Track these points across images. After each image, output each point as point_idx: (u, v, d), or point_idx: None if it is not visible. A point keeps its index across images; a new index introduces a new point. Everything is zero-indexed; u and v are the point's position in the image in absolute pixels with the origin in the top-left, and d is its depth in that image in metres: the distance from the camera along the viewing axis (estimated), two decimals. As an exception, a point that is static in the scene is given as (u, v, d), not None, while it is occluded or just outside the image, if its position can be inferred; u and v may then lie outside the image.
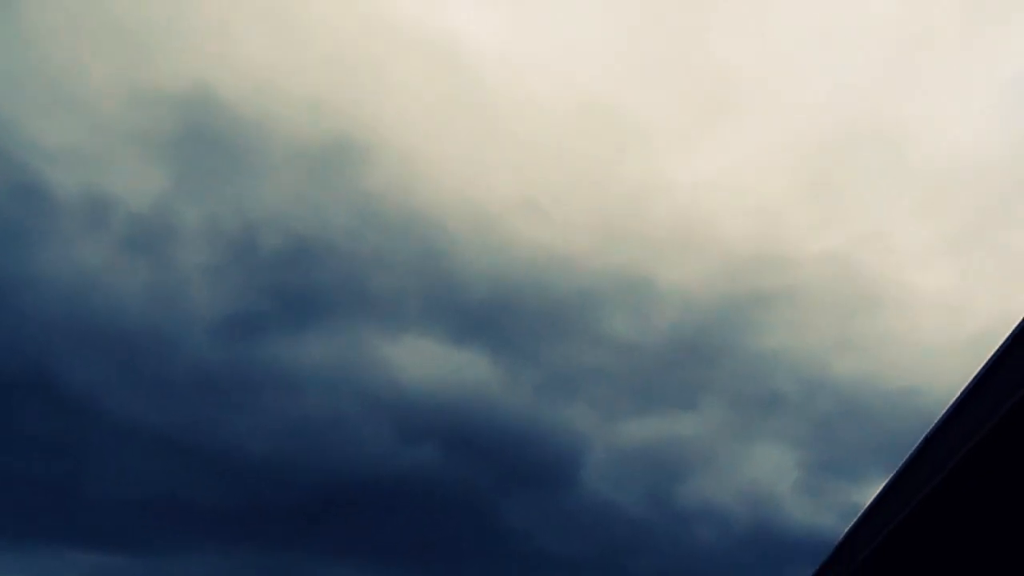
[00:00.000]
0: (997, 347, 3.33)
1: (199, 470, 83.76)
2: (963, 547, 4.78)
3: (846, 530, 5.29)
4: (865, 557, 5.14)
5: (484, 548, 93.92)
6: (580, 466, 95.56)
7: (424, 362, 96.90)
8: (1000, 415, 3.38)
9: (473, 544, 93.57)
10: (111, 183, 77.96)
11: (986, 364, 3.59)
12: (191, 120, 79.05)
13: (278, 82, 77.80)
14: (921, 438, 4.24)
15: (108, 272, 77.41)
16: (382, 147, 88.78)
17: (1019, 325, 3.30)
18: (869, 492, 4.69)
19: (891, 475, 4.63)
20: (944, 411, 3.96)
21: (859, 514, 5.02)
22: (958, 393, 3.82)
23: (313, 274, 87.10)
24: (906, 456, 4.45)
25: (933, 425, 4.13)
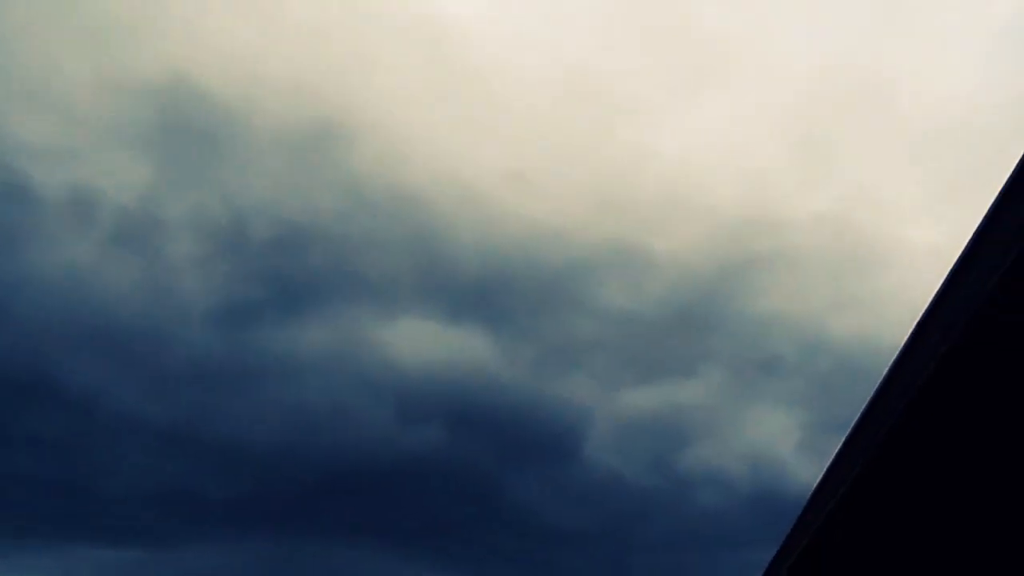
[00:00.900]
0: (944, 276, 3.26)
1: (204, 462, 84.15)
2: (926, 491, 4.75)
3: (814, 485, 5.25)
4: (832, 508, 5.10)
5: (491, 525, 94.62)
6: (583, 438, 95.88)
7: (421, 342, 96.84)
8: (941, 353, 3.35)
9: (480, 522, 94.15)
10: (95, 178, 77.32)
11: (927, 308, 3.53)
12: (170, 110, 78.02)
13: (257, 67, 76.57)
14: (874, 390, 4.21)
15: (98, 269, 77.07)
16: (367, 128, 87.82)
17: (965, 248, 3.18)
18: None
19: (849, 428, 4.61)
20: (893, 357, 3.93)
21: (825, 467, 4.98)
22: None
23: (304, 260, 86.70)
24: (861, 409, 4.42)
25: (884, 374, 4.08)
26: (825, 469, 4.90)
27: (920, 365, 3.60)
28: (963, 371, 3.66)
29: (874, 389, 4.15)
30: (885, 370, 4.00)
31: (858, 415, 4.38)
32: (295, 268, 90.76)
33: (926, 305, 3.46)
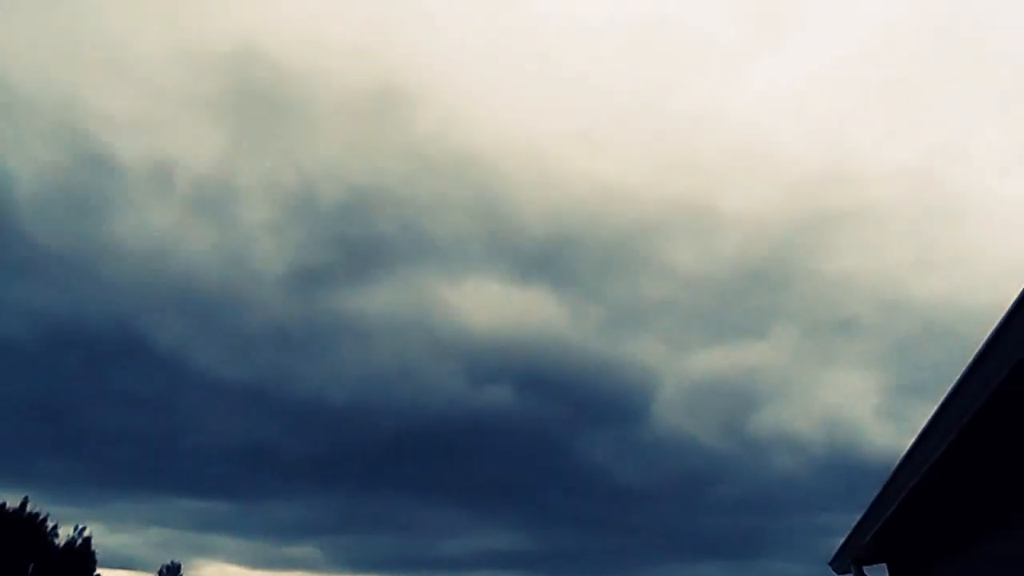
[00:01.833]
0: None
1: (283, 421, 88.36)
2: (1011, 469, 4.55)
3: (900, 456, 5.12)
4: (915, 484, 4.96)
5: (560, 485, 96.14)
6: (652, 400, 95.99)
7: (489, 304, 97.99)
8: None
9: (549, 481, 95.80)
10: (172, 147, 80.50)
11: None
12: (241, 79, 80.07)
13: (322, 34, 77.28)
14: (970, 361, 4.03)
15: (179, 235, 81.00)
16: (430, 90, 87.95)
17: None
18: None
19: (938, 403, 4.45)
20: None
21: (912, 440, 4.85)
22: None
23: (373, 223, 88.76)
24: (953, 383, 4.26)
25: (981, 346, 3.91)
26: (917, 435, 4.76)
27: (1017, 341, 3.41)
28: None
29: (977, 351, 3.97)
30: (989, 331, 3.82)
31: (957, 378, 4.21)
32: (363, 232, 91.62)
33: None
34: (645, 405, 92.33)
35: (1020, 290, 3.42)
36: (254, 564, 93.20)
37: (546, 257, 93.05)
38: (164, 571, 67.08)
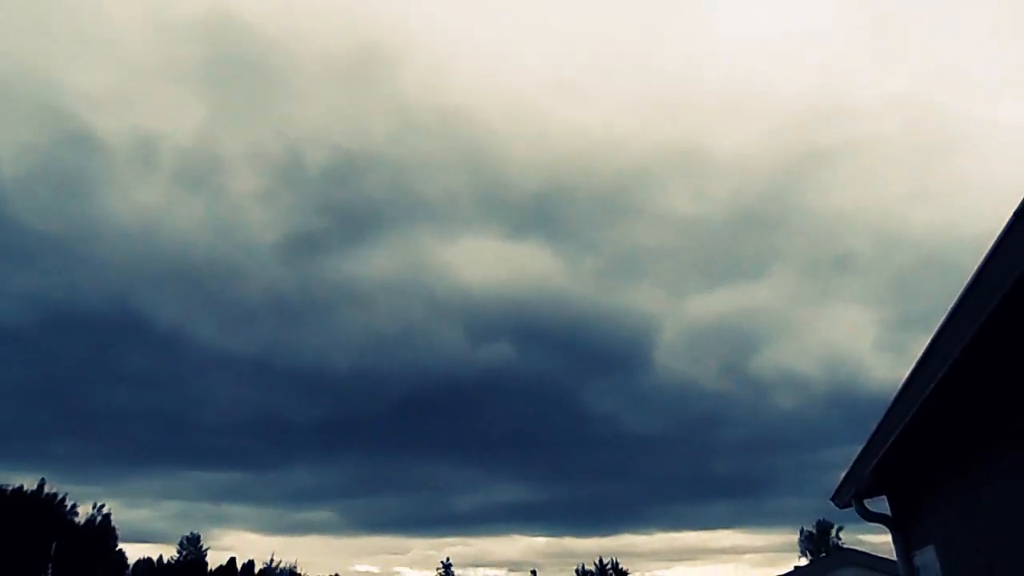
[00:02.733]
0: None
1: (288, 390, 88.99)
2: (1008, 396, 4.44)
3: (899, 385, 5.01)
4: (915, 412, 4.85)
5: (570, 435, 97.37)
6: (653, 346, 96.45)
7: (484, 261, 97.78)
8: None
9: (559, 432, 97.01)
10: (154, 121, 79.21)
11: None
12: (217, 46, 78.27)
13: (296, -4, 74.70)
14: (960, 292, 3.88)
15: (167, 209, 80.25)
16: (411, 46, 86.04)
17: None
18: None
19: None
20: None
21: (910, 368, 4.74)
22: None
23: (362, 186, 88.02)
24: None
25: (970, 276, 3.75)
26: (912, 366, 4.64)
27: (1017, 255, 3.26)
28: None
29: (966, 281, 3.83)
30: (979, 261, 3.67)
31: (949, 309, 4.07)
32: (353, 196, 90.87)
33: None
34: (646, 352, 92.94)
35: (1015, 208, 3.26)
36: (271, 530, 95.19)
37: (539, 210, 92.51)
38: (184, 542, 68.55)
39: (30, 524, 46.67)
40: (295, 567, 69.37)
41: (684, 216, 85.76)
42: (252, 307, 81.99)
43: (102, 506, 56.37)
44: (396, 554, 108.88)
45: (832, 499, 7.68)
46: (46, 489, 51.62)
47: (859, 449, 6.24)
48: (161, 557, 67.86)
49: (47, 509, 49.89)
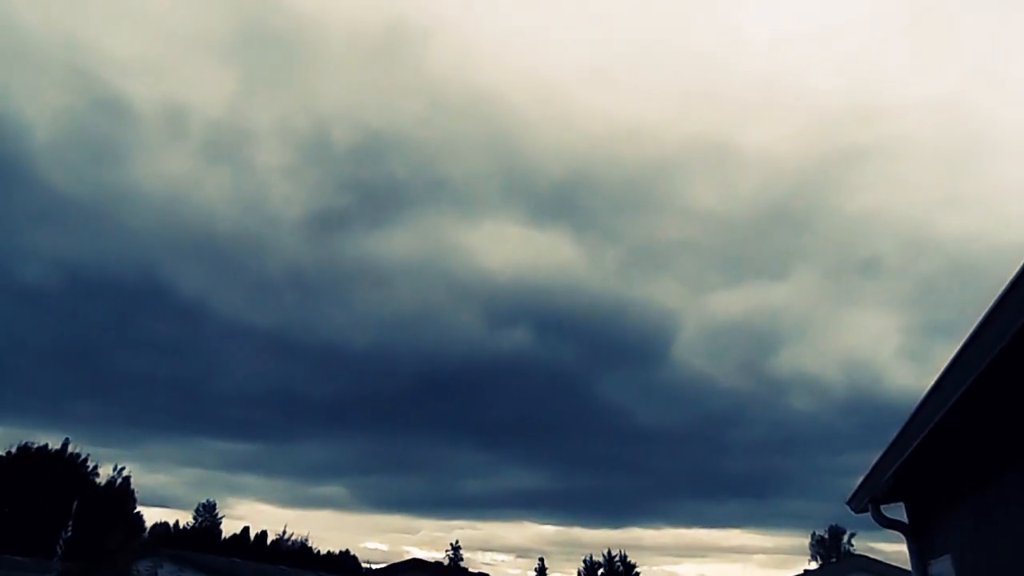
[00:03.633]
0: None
1: (307, 364, 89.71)
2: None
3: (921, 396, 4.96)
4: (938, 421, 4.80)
5: (584, 425, 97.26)
6: (672, 341, 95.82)
7: (506, 246, 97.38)
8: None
9: (572, 421, 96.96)
10: (185, 91, 79.64)
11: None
12: (249, 18, 78.26)
13: (329, -31, 74.33)
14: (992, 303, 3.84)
15: (195, 180, 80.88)
16: (441, 26, 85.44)
17: None
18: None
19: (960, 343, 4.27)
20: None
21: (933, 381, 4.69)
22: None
23: (388, 166, 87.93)
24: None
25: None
26: (940, 372, 4.59)
27: None
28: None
29: (997, 293, 3.78)
30: (1012, 273, 3.62)
31: (978, 319, 4.02)
32: (379, 175, 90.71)
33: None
34: (665, 347, 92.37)
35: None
36: (284, 502, 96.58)
37: (563, 198, 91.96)
38: (200, 509, 69.93)
39: (53, 482, 47.81)
40: (307, 541, 70.42)
41: (709, 210, 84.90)
42: (273, 281, 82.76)
43: (122, 468, 57.55)
44: (406, 534, 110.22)
45: (848, 503, 7.64)
46: (69, 449, 52.79)
47: (878, 454, 6.20)
48: (177, 522, 69.35)
49: (70, 468, 51.05)
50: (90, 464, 53.78)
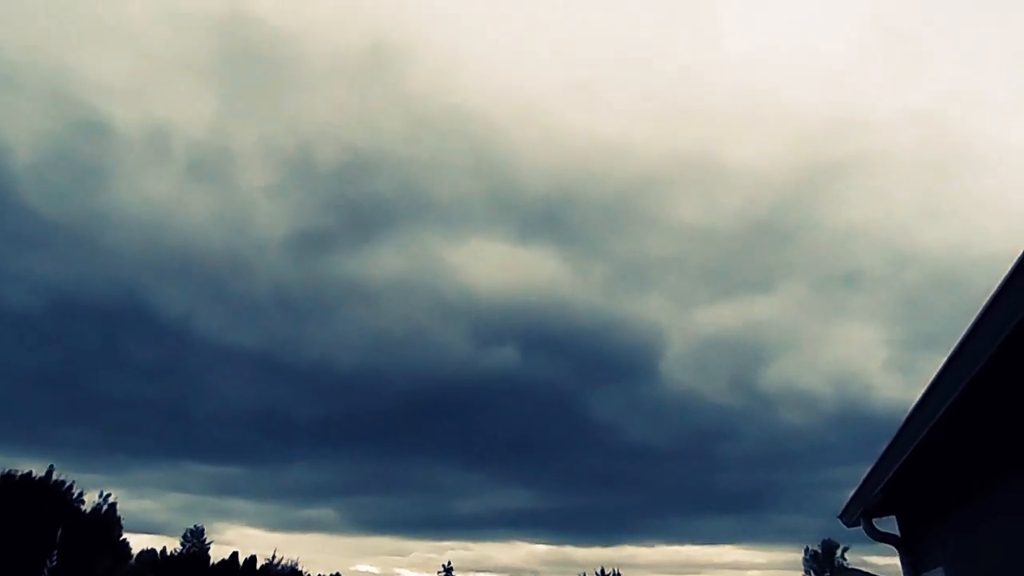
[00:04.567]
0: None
1: (292, 386, 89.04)
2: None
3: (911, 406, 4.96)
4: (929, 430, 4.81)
5: (572, 442, 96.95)
6: (659, 357, 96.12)
7: (492, 264, 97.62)
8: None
9: (562, 439, 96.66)
10: (167, 112, 79.58)
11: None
12: (231, 40, 78.52)
13: (308, -11, 74.67)
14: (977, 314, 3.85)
15: (178, 201, 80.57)
16: (422, 45, 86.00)
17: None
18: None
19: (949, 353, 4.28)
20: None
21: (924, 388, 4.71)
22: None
23: (372, 184, 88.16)
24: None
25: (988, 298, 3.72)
26: (928, 383, 4.60)
27: None
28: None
29: (983, 304, 3.79)
30: (995, 284, 3.64)
31: (964, 331, 4.04)
32: (362, 194, 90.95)
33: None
34: (653, 363, 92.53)
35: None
36: (272, 526, 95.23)
37: (548, 215, 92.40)
38: (188, 535, 68.75)
39: (38, 510, 46.93)
40: (296, 565, 69.45)
41: (694, 226, 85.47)
42: (259, 302, 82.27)
43: (108, 495, 56.63)
44: (397, 555, 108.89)
45: (840, 517, 7.61)
46: (54, 476, 51.91)
47: (869, 467, 6.19)
48: (165, 549, 68.15)
49: (55, 496, 50.16)
50: (75, 491, 52.92)
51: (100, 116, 71.17)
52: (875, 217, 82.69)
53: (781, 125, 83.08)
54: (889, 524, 7.53)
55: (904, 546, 7.32)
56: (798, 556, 70.31)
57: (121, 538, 57.53)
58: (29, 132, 70.27)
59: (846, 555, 66.49)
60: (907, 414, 5.03)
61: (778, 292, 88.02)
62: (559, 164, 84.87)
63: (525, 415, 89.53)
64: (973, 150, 77.10)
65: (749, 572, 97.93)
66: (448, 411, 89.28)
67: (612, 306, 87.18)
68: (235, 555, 68.44)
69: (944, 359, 4.36)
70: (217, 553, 68.70)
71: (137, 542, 68.01)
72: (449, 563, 79.14)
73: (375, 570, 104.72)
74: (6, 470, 49.52)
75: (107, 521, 54.61)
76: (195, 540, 68.42)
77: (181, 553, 66.73)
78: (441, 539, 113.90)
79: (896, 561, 7.50)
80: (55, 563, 32.94)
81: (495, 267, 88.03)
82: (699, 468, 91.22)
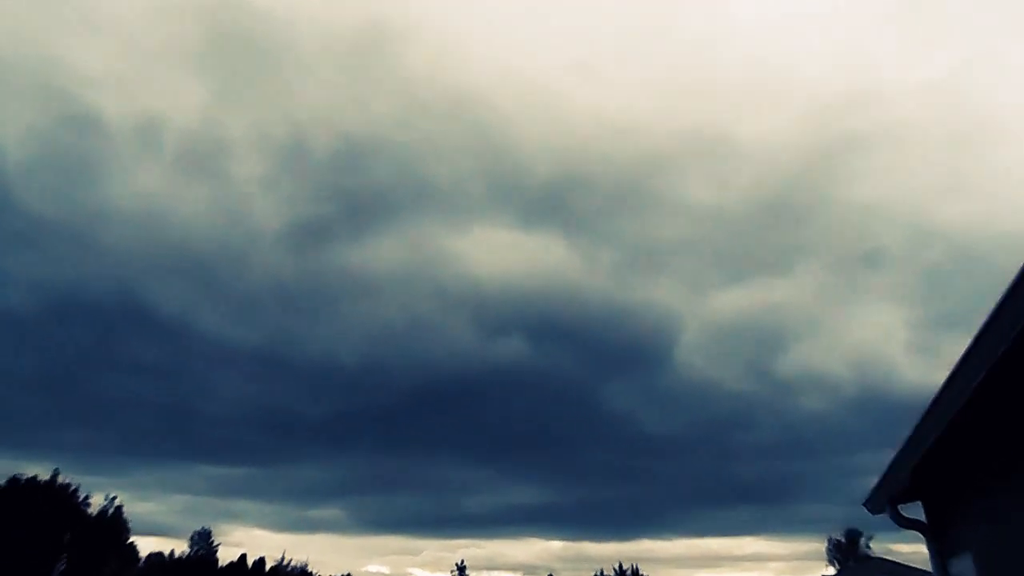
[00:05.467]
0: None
1: (298, 383, 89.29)
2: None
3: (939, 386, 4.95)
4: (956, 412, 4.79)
5: (587, 435, 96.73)
6: (673, 344, 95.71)
7: (496, 252, 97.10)
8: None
9: (575, 432, 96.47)
10: (157, 103, 79.47)
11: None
12: (218, 26, 78.14)
13: (296, -32, 73.95)
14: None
15: (172, 194, 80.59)
16: (417, 26, 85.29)
17: None
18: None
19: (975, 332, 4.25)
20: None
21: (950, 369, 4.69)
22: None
23: (369, 172, 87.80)
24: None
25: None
26: (954, 365, 4.58)
27: None
28: None
29: (1009, 281, 3.76)
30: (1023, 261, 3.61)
31: (990, 311, 4.02)
32: (360, 183, 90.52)
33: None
34: (667, 350, 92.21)
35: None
36: (280, 527, 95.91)
37: (553, 199, 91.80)
38: (196, 537, 69.48)
39: (44, 513, 47.50)
40: (306, 566, 70.00)
41: (705, 206, 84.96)
42: (258, 296, 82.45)
43: (114, 497, 57.23)
44: (408, 555, 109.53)
45: (865, 504, 7.62)
46: (59, 479, 52.52)
47: (894, 453, 6.18)
48: (172, 552, 68.91)
49: (61, 499, 50.75)
50: (81, 494, 53.53)
51: (90, 109, 71.30)
52: (894, 193, 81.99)
53: (794, 98, 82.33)
54: (915, 510, 7.53)
55: (931, 532, 7.32)
56: (821, 546, 70.40)
57: (128, 541, 58.23)
58: (19, 127, 70.46)
59: (871, 544, 66.56)
60: (932, 397, 5.02)
61: (795, 274, 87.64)
62: (563, 146, 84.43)
63: (536, 407, 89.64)
64: (996, 120, 76.15)
65: (770, 563, 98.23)
66: (456, 405, 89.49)
67: (623, 292, 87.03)
68: (243, 557, 69.16)
69: (970, 339, 4.35)
70: (225, 555, 69.45)
71: (144, 545, 68.76)
72: (463, 561, 79.61)
73: (386, 570, 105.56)
74: (12, 474, 50.17)
75: (114, 524, 55.24)
76: (203, 542, 69.13)
77: (189, 556, 67.46)
78: (453, 537, 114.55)
79: (923, 548, 7.50)
80: (64, 567, 33.39)
81: (499, 254, 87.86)
82: (717, 458, 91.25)
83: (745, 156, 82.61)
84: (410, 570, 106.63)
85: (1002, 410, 5.03)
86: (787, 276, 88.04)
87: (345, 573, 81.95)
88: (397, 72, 78.93)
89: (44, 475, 52.07)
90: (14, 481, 49.76)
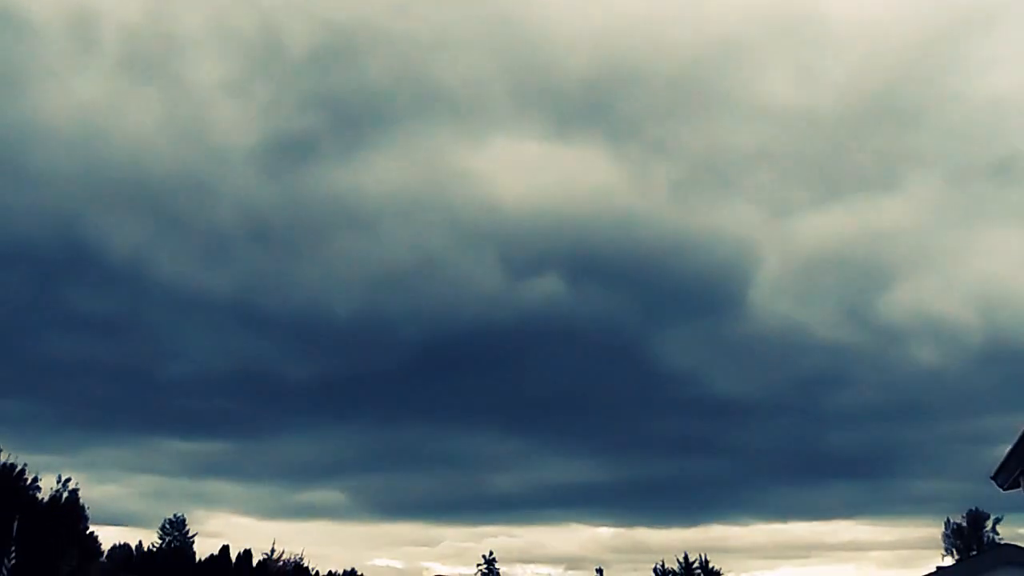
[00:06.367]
0: None
1: (281, 339, 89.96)
2: None
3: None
4: None
5: (639, 398, 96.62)
6: (748, 283, 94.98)
7: (523, 169, 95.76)
8: None
9: (625, 395, 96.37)
10: (91, -5, 77.79)
11: None
12: None
13: None
14: None
15: (114, 107, 79.86)
16: None
17: None
18: None
19: None
20: None
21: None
22: None
23: (360, 72, 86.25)
24: None
25: None
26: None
27: None
28: None
29: None
30: None
31: None
32: (349, 85, 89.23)
33: None
34: (739, 290, 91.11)
35: None
36: (266, 514, 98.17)
37: (592, 101, 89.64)
38: (167, 526, 71.92)
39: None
40: (302, 560, 72.04)
41: (789, 107, 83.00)
42: (227, 232, 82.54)
43: (67, 480, 59.19)
44: (424, 546, 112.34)
45: (993, 478, 7.58)
46: (3, 459, 54.33)
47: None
48: (140, 544, 71.54)
49: (6, 482, 52.56)
50: (28, 476, 55.40)
51: (12, 5, 70.98)
52: (1032, 83, 79.25)
53: (908, -34, 79.22)
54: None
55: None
56: (936, 532, 70.82)
57: (88, 531, 60.47)
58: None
59: (998, 528, 66.82)
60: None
61: (904, 190, 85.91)
62: (606, 34, 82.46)
63: (576, 365, 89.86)
64: None
65: (871, 553, 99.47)
66: (479, 363, 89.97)
67: (683, 218, 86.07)
68: (225, 549, 71.55)
69: None
70: (203, 548, 71.87)
71: (107, 536, 71.54)
72: (491, 553, 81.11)
73: (397, 564, 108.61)
74: (-59, 453, 51.98)
75: (70, 511, 57.24)
76: (176, 532, 71.59)
77: (160, 548, 69.94)
78: (479, 524, 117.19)
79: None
80: (14, 560, 35.05)
81: (527, 173, 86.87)
82: (804, 425, 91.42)
83: (839, 41, 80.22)
84: (426, 564, 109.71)
85: None
86: (894, 193, 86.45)
87: (348, 568, 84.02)
88: (395, -56, 77.32)
89: (-18, 452, 53.82)
90: (-54, 462, 51.64)
